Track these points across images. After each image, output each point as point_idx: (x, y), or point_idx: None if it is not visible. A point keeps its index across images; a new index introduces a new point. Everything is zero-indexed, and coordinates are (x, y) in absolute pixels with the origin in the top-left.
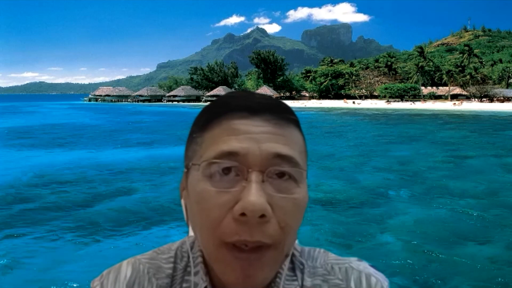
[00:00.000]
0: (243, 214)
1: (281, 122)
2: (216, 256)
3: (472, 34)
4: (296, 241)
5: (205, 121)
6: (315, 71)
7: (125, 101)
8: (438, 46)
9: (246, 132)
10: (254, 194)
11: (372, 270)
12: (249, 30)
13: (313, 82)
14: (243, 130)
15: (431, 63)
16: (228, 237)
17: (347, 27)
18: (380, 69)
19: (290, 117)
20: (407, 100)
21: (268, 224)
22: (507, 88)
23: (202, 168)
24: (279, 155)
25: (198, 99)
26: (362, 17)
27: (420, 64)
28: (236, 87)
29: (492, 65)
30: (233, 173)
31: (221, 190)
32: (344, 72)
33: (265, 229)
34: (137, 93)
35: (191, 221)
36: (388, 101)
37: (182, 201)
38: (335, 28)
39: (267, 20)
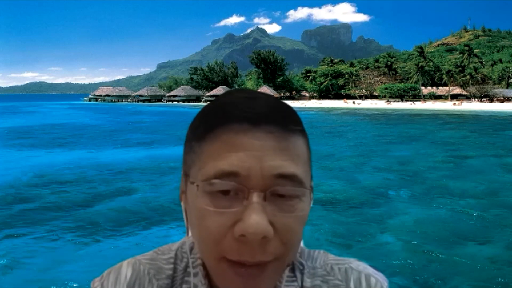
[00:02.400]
0: (243, 235)
1: (284, 134)
2: (216, 270)
3: (472, 34)
4: (301, 242)
5: (203, 131)
6: (315, 71)
7: (125, 101)
8: (438, 46)
9: (247, 148)
10: (255, 216)
11: (371, 271)
12: (249, 30)
13: (313, 82)
14: (243, 146)
15: (431, 63)
16: (228, 255)
17: (347, 27)
18: (380, 69)
19: (294, 128)
20: (407, 100)
21: (269, 243)
22: (507, 88)
23: (201, 186)
24: (282, 175)
25: (198, 99)
26: (362, 17)
27: (420, 64)
28: (236, 87)
29: (492, 65)
30: (233, 192)
31: (221, 210)
32: (344, 72)
33: (266, 248)
34: (137, 93)
35: (191, 231)
36: (388, 101)
37: (182, 204)
38: (335, 28)
39: (267, 20)
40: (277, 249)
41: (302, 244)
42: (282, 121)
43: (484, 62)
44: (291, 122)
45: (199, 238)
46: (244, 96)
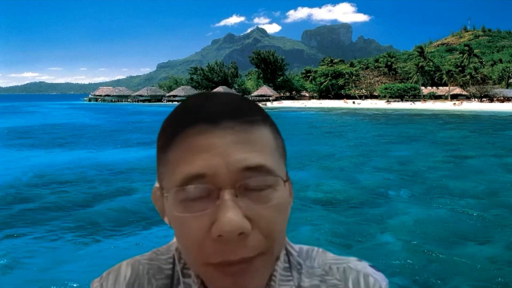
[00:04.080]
0: (220, 235)
1: (244, 127)
2: (205, 275)
3: (472, 34)
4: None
5: (165, 141)
6: (315, 71)
7: (125, 101)
8: (438, 46)
9: (209, 148)
10: (229, 214)
11: (370, 270)
12: (249, 30)
13: (313, 82)
14: (205, 146)
15: (431, 63)
16: (212, 259)
17: (347, 27)
18: (380, 69)
19: (253, 119)
20: (407, 100)
21: (250, 238)
22: (507, 88)
23: (173, 195)
24: (248, 168)
25: None
26: (362, 17)
27: (420, 64)
28: (236, 87)
29: (492, 65)
30: (205, 194)
31: (196, 214)
32: (344, 72)
33: (247, 243)
34: (137, 93)
35: (176, 239)
36: (388, 101)
37: (156, 207)
38: (335, 28)
39: (267, 20)
40: (260, 243)
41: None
42: (238, 114)
43: (484, 62)
44: (248, 114)
45: (182, 248)
46: (198, 98)
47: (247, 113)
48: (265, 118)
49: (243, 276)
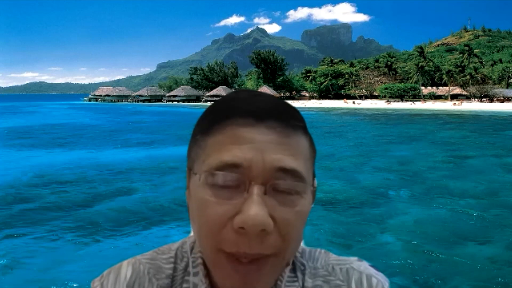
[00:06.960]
0: (242, 227)
1: (286, 130)
2: (214, 262)
3: (472, 34)
4: (302, 242)
5: (208, 125)
6: (315, 71)
7: (125, 101)
8: (438, 46)
9: (250, 141)
10: (255, 208)
11: (372, 271)
12: (249, 30)
13: (313, 82)
14: (246, 139)
15: (431, 63)
16: (226, 247)
17: (347, 27)
18: (380, 69)
19: (296, 124)
20: (407, 100)
21: (268, 236)
22: (507, 88)
23: (204, 177)
24: (283, 169)
25: (198, 99)
26: (362, 17)
27: (420, 64)
28: (236, 87)
29: (492, 65)
30: (235, 184)
31: (222, 200)
32: (344, 72)
33: (265, 240)
34: (137, 93)
35: (192, 224)
36: (388, 101)
37: (187, 201)
38: (335, 28)
39: (267, 20)
40: (276, 243)
41: (302, 243)
42: (284, 117)
43: (484, 62)
44: (293, 119)
45: (198, 229)
46: (248, 93)
47: (292, 118)
48: (306, 127)
49: (252, 277)
